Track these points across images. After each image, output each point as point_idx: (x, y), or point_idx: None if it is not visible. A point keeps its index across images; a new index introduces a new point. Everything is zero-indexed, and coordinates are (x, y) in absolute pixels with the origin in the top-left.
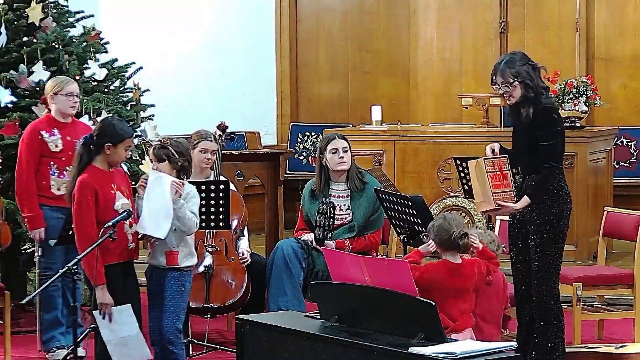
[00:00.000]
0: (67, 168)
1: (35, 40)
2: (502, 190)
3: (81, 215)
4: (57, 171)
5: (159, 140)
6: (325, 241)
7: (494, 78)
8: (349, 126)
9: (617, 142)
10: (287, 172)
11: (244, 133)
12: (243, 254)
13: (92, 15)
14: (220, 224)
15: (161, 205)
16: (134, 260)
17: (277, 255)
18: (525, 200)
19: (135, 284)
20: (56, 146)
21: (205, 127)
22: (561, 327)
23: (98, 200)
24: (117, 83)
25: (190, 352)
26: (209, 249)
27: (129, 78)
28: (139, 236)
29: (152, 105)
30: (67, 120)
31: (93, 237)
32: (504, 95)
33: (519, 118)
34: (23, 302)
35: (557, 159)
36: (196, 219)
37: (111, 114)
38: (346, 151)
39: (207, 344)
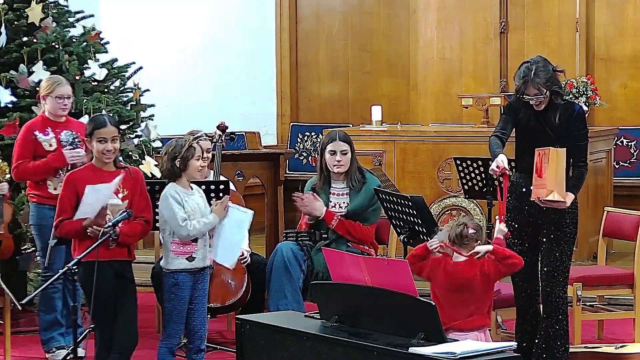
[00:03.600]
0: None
1: (35, 40)
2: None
3: (58, 205)
4: None
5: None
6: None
7: (524, 90)
8: (349, 126)
9: (617, 142)
10: (287, 172)
11: (244, 133)
12: (243, 254)
13: (92, 15)
14: None
15: (237, 240)
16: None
17: (276, 258)
18: (571, 197)
19: (131, 288)
20: (50, 145)
21: (205, 127)
22: (567, 327)
23: (79, 196)
24: (117, 83)
25: None
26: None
27: (129, 78)
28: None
29: (152, 105)
30: (60, 119)
31: (58, 225)
32: (535, 103)
33: (544, 122)
34: (23, 302)
35: (586, 158)
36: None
37: (111, 114)
38: (345, 154)
39: (207, 344)
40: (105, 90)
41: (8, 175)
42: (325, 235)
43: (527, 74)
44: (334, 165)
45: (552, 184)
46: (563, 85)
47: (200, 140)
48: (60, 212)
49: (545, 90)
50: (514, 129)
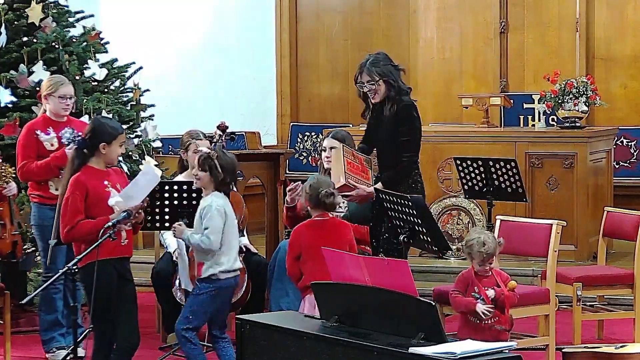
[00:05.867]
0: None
1: (35, 40)
2: (357, 176)
3: (65, 209)
4: None
5: (208, 150)
6: None
7: (359, 77)
8: (349, 126)
9: (617, 142)
10: (287, 172)
11: (244, 133)
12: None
13: (92, 15)
14: None
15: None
16: (138, 262)
17: (279, 255)
18: (379, 185)
19: (131, 288)
20: (52, 145)
21: (205, 127)
22: None
23: (89, 197)
24: (117, 83)
25: None
26: None
27: (129, 78)
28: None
29: (152, 105)
30: (62, 119)
31: (74, 226)
32: (369, 92)
33: (382, 115)
34: (23, 302)
35: (415, 153)
36: (207, 238)
37: (111, 114)
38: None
39: (207, 344)
40: (105, 90)
41: (13, 175)
42: None
43: (364, 62)
44: (325, 162)
45: (335, 177)
46: (562, 86)
47: (198, 140)
48: (75, 215)
49: (377, 78)
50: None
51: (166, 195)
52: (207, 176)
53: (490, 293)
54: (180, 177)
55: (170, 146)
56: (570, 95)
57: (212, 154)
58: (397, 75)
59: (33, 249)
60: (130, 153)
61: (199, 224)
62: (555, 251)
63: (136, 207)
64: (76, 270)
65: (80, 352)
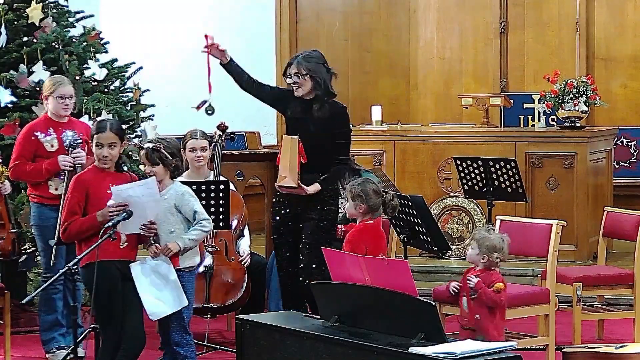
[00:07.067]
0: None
1: (35, 40)
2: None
3: (65, 208)
4: None
5: (151, 143)
6: None
7: (288, 69)
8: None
9: (617, 142)
10: None
11: (244, 133)
12: (243, 254)
13: (92, 15)
14: (220, 224)
15: (170, 285)
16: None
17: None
18: (316, 186)
19: (135, 289)
20: (52, 146)
21: (205, 127)
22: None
23: (89, 197)
24: (117, 83)
25: None
26: (209, 249)
27: (129, 78)
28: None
29: (152, 105)
30: (62, 120)
31: (67, 226)
32: (294, 85)
33: (310, 113)
34: (23, 302)
35: (347, 156)
36: (207, 221)
37: (111, 114)
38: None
39: (207, 344)
40: (105, 90)
41: (6, 174)
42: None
43: (297, 54)
44: None
45: (285, 170)
46: (562, 86)
47: (195, 138)
48: (69, 215)
49: (304, 72)
50: (283, 118)
51: None
52: (162, 168)
53: (473, 281)
54: (181, 178)
55: None
56: (570, 95)
57: (156, 145)
58: (326, 77)
59: (33, 249)
60: (130, 153)
61: (176, 217)
62: (555, 251)
63: (148, 220)
64: (76, 270)
65: (80, 352)
